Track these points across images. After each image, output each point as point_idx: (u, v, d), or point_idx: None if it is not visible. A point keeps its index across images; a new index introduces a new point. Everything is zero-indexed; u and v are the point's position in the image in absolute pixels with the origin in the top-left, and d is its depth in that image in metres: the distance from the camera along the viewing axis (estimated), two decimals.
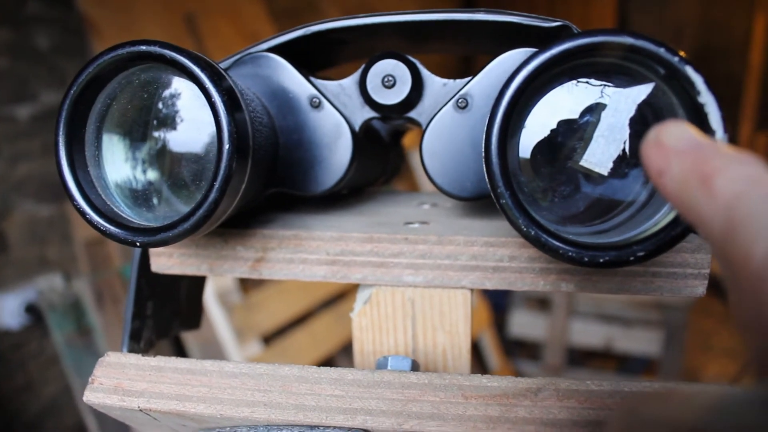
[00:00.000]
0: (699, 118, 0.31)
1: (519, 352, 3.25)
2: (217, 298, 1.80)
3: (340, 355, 2.28)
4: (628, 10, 4.37)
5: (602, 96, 0.35)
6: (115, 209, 0.39)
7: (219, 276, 0.46)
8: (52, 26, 1.93)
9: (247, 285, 1.97)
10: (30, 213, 1.88)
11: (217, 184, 0.35)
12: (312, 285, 2.09)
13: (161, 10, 2.14)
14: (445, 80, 0.44)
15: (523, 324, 3.09)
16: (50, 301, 1.81)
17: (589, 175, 0.35)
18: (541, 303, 3.09)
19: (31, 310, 1.83)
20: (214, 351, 1.84)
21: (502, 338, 3.10)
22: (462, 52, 0.56)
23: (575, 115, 0.35)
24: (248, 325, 1.87)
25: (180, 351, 1.88)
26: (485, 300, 2.95)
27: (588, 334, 2.95)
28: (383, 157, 0.61)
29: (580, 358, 3.14)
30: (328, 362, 2.19)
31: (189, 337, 1.85)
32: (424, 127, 0.44)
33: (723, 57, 4.17)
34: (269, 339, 1.98)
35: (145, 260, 0.48)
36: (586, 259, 0.33)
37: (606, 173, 0.35)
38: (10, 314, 1.79)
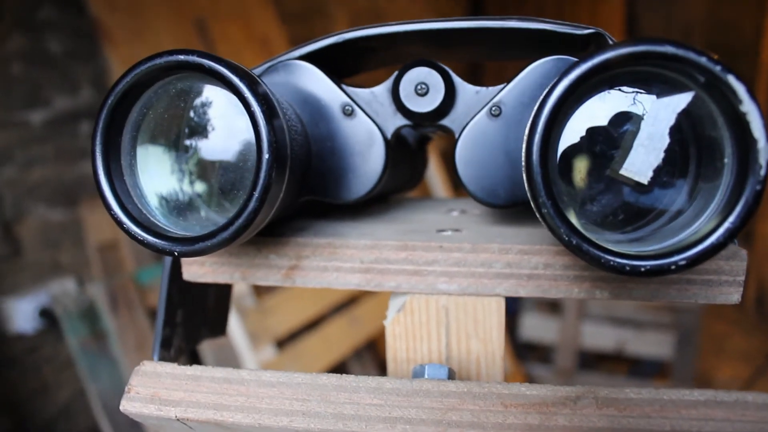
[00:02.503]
0: (740, 127, 0.31)
1: (530, 356, 3.24)
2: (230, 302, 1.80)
3: (353, 360, 2.28)
4: (636, 10, 4.35)
5: (634, 102, 0.35)
6: (151, 218, 0.39)
7: (251, 284, 0.46)
8: (64, 31, 1.93)
9: (260, 289, 1.97)
10: (43, 218, 1.89)
11: (256, 194, 0.35)
12: (325, 289, 2.08)
13: (172, 15, 2.15)
14: (478, 88, 0.44)
15: (534, 327, 3.08)
16: (64, 306, 1.82)
17: (627, 183, 0.35)
18: (552, 306, 3.08)
19: (45, 314, 1.83)
20: (227, 355, 1.84)
21: (513, 341, 3.09)
22: (488, 58, 0.56)
23: (610, 122, 0.35)
24: (262, 329, 1.87)
25: (194, 355, 1.89)
26: None
27: (599, 337, 2.93)
28: (411, 163, 0.61)
29: (592, 361, 3.13)
30: (340, 367, 2.19)
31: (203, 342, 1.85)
32: (457, 135, 0.44)
33: (732, 57, 4.14)
34: (282, 343, 1.99)
35: (175, 268, 0.48)
36: (627, 269, 0.32)
37: (646, 182, 0.35)
38: (25, 318, 1.80)
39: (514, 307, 3.14)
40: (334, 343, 2.12)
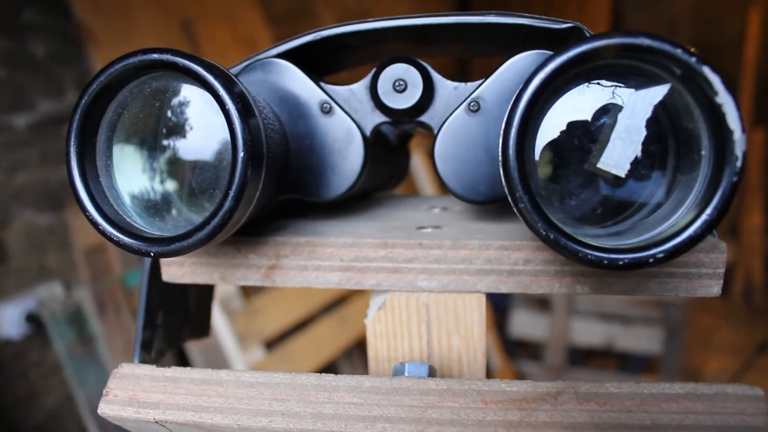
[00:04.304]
0: (716, 119, 0.31)
1: (520, 353, 3.24)
2: (218, 304, 1.80)
3: (342, 360, 2.27)
4: (622, 8, 4.37)
5: (613, 96, 0.35)
6: (127, 219, 0.38)
7: (231, 284, 0.46)
8: (48, 34, 1.92)
9: (248, 291, 1.97)
10: (29, 222, 1.88)
11: (232, 193, 0.35)
12: (313, 289, 2.08)
13: (158, 16, 2.14)
14: (456, 83, 0.44)
15: (524, 324, 3.09)
16: (51, 310, 1.81)
17: (605, 177, 0.35)
18: (541, 303, 3.09)
19: (32, 319, 1.82)
20: (216, 357, 1.83)
21: (502, 339, 3.09)
22: (469, 55, 0.56)
23: (588, 117, 0.35)
24: (250, 330, 1.87)
25: (182, 358, 1.88)
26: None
27: (588, 333, 2.94)
28: (392, 161, 0.61)
29: (581, 358, 3.14)
30: (330, 367, 2.18)
31: (191, 344, 1.84)
32: (436, 131, 0.44)
33: (718, 53, 4.17)
34: (271, 344, 1.98)
35: (155, 269, 0.48)
36: (605, 262, 0.32)
37: (624, 175, 0.34)
38: (11, 323, 1.78)
39: (503, 305, 3.15)
40: (324, 343, 2.12)
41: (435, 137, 0.44)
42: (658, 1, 4.33)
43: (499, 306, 3.19)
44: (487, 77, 0.43)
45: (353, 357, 2.31)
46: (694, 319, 3.12)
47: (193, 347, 1.85)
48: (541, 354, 3.09)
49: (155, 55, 0.36)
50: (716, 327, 3.57)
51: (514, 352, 3.19)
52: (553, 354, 3.01)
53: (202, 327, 0.58)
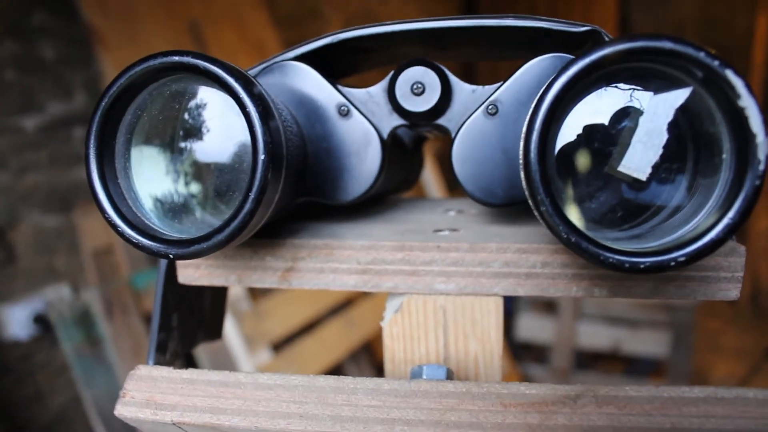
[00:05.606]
0: (739, 122, 0.31)
1: (526, 356, 3.24)
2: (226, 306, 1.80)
3: (348, 363, 2.27)
4: (628, 10, 4.36)
5: (631, 99, 0.35)
6: (146, 221, 0.38)
7: (247, 287, 0.46)
8: (57, 37, 1.93)
9: (256, 293, 1.97)
10: (37, 224, 1.88)
11: (252, 195, 0.35)
12: (320, 292, 2.08)
13: (165, 18, 2.14)
14: (474, 86, 0.44)
15: (530, 327, 3.08)
16: (59, 312, 1.81)
17: (625, 180, 0.35)
18: (547, 306, 3.08)
19: (40, 320, 1.82)
20: (223, 359, 1.83)
21: (509, 342, 3.09)
22: (483, 57, 0.56)
23: (607, 120, 0.35)
24: (258, 333, 1.87)
25: (189, 360, 1.88)
26: None
27: (595, 336, 2.94)
28: (407, 163, 0.61)
29: (588, 361, 3.13)
30: (336, 370, 2.18)
31: (198, 346, 1.84)
32: (453, 134, 0.44)
33: (724, 55, 4.15)
34: (278, 347, 1.98)
35: (170, 271, 0.48)
36: (626, 266, 0.32)
37: (645, 178, 0.34)
38: (19, 325, 1.79)
39: (509, 308, 3.15)
40: (330, 345, 2.12)
41: (453, 140, 0.44)
42: (665, 3, 4.32)
43: (505, 309, 3.18)
44: (505, 80, 0.43)
45: (359, 359, 2.31)
46: (700, 323, 3.11)
47: (200, 349, 1.85)
48: (548, 357, 3.08)
49: (176, 58, 0.36)
50: (723, 331, 3.56)
51: (520, 355, 3.19)
52: (559, 357, 3.00)
53: (215, 329, 0.58)
